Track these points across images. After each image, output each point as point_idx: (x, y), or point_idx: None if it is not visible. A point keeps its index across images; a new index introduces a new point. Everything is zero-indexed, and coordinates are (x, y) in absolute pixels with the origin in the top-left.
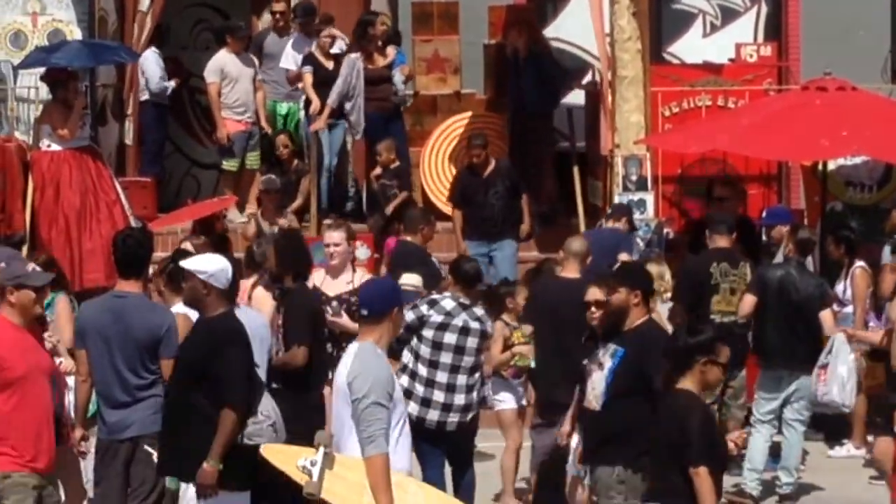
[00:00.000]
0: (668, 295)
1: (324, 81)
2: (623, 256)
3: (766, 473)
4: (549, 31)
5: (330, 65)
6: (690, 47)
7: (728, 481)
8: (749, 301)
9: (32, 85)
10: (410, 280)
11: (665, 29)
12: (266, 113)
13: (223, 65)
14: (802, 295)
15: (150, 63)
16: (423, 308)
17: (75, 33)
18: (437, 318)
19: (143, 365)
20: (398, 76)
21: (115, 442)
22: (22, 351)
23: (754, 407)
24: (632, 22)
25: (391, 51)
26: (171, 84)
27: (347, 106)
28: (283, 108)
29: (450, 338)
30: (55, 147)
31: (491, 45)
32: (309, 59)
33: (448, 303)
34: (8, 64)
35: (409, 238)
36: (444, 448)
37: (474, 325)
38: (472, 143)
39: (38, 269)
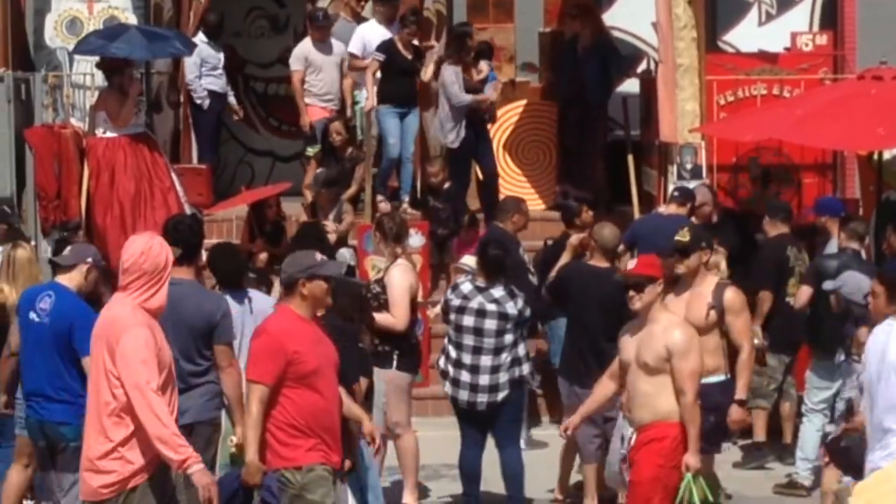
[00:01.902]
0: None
1: (401, 71)
2: None
3: (817, 462)
4: (605, 20)
5: (409, 55)
6: (746, 36)
7: (781, 471)
8: (806, 292)
9: (88, 72)
10: (467, 261)
11: (720, 17)
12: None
13: (307, 53)
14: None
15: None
16: (448, 292)
17: (131, 21)
18: (455, 301)
19: (197, 352)
20: (490, 93)
21: None
22: (313, 344)
23: (806, 396)
24: (687, 10)
25: (484, 66)
26: (201, 88)
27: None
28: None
29: (468, 320)
30: (110, 133)
31: (546, 34)
32: (387, 47)
33: (466, 286)
34: (64, 51)
35: (501, 225)
36: (482, 428)
37: (491, 307)
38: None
39: (324, 257)
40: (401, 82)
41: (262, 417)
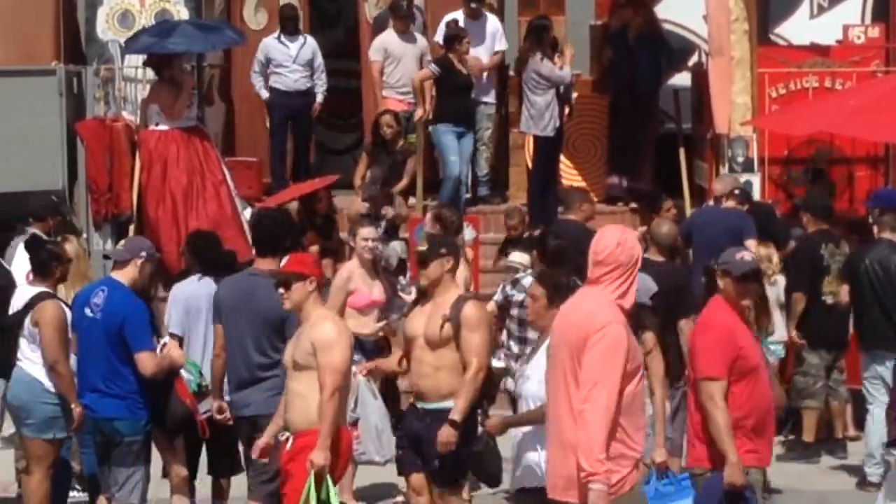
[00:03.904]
0: (776, 277)
1: (456, 88)
2: (751, 243)
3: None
4: (657, 12)
5: (464, 71)
6: (798, 29)
7: (828, 463)
8: (844, 290)
9: (140, 65)
10: (517, 259)
11: (772, 10)
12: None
13: (386, 44)
14: (894, 272)
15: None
16: (508, 288)
17: (182, 14)
18: (519, 296)
19: (270, 344)
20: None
21: (240, 419)
22: (752, 338)
23: (864, 390)
24: (739, 3)
25: (559, 59)
26: (260, 84)
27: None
28: None
29: None
30: (163, 126)
31: (597, 26)
32: (442, 63)
33: (528, 280)
34: (115, 44)
35: (571, 217)
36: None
37: None
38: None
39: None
40: (457, 99)
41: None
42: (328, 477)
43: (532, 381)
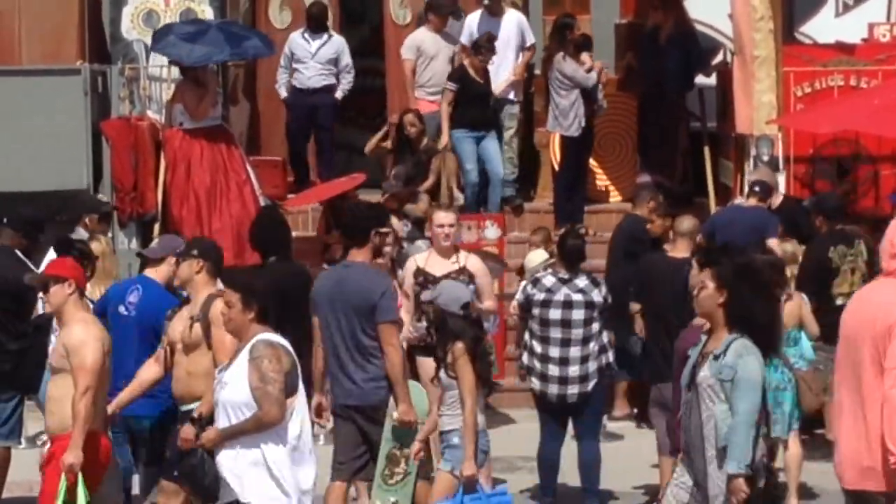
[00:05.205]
0: None
1: (474, 99)
2: (773, 242)
3: None
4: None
5: (482, 81)
6: (823, 27)
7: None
8: None
9: (164, 64)
10: (534, 258)
11: (797, 8)
12: None
13: (420, 42)
14: None
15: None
16: (528, 287)
17: (207, 14)
18: (539, 295)
19: (363, 331)
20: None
21: (343, 407)
22: None
23: None
24: (764, 1)
25: (587, 58)
26: (283, 80)
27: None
28: None
29: (554, 313)
30: (187, 126)
31: (622, 25)
32: (458, 75)
33: (548, 279)
34: (140, 43)
35: (636, 212)
36: (564, 420)
37: (577, 297)
38: None
39: None
40: (475, 108)
41: None
42: (80, 477)
43: (230, 388)
